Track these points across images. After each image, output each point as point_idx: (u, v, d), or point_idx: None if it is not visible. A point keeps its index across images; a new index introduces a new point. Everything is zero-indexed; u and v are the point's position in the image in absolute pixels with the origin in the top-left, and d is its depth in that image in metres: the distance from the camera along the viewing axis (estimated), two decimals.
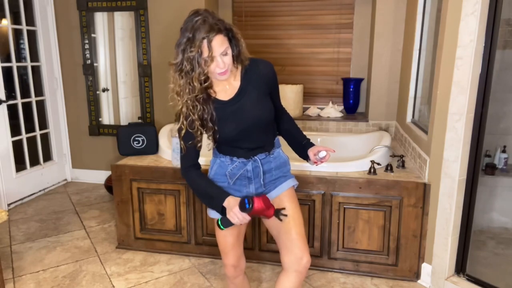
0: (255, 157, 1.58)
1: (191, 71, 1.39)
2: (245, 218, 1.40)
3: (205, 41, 1.34)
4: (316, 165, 1.63)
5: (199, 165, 1.57)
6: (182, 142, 1.52)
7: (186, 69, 1.39)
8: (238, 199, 1.44)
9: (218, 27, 1.37)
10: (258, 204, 1.38)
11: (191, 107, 1.45)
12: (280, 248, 1.58)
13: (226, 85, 1.52)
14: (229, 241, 1.65)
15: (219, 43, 1.37)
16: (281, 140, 1.72)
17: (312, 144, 1.67)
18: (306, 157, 1.66)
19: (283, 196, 1.60)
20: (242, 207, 1.39)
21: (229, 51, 1.41)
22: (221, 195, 1.48)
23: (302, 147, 1.68)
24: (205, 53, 1.36)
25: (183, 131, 1.50)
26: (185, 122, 1.48)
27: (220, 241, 1.67)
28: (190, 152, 1.52)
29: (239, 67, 1.53)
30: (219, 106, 1.51)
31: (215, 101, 1.51)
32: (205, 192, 1.53)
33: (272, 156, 1.62)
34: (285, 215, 1.51)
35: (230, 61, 1.42)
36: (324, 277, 2.42)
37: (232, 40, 1.43)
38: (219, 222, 1.47)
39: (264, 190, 1.62)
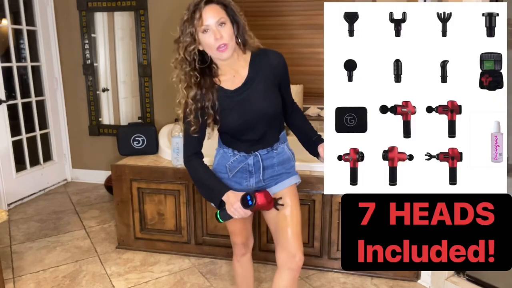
0: (256, 152, 1.55)
1: (184, 43, 1.39)
2: (246, 213, 1.41)
3: (198, 10, 1.34)
4: None
5: (201, 154, 1.56)
6: (183, 125, 1.51)
7: (182, 41, 1.39)
8: (239, 194, 1.42)
9: None
10: (260, 199, 1.39)
11: (184, 88, 1.44)
12: (276, 245, 1.60)
13: (233, 73, 1.49)
14: (237, 225, 1.67)
15: (213, 11, 1.36)
16: (291, 136, 1.70)
17: (322, 141, 1.57)
18: (316, 154, 1.60)
19: (284, 192, 1.58)
20: (245, 204, 1.38)
21: (228, 23, 1.39)
22: (221, 189, 1.47)
23: (312, 143, 1.60)
24: (197, 21, 1.35)
25: (183, 114, 1.49)
26: (183, 103, 1.47)
27: (229, 226, 1.69)
28: (192, 139, 1.51)
29: (248, 54, 1.49)
30: (224, 95, 1.47)
31: (220, 90, 1.48)
32: (205, 182, 1.52)
33: (275, 151, 1.58)
34: (282, 205, 1.50)
35: (229, 35, 1.39)
36: (324, 277, 2.41)
37: (230, 14, 1.41)
38: (218, 215, 1.48)
39: (264, 185, 1.60)
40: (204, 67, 1.46)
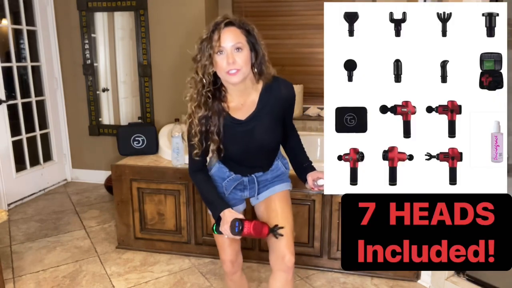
0: (252, 175, 1.60)
1: (203, 65, 1.36)
2: (234, 236, 1.44)
3: (217, 30, 1.32)
4: (313, 190, 1.58)
5: (206, 169, 1.60)
6: (189, 148, 1.52)
7: (200, 62, 1.37)
8: (234, 215, 1.45)
9: (236, 21, 1.34)
10: (247, 230, 1.41)
11: (194, 107, 1.42)
12: (268, 248, 1.62)
13: (242, 102, 1.46)
14: (226, 239, 1.66)
15: (232, 34, 1.33)
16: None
17: (313, 168, 1.60)
18: (304, 180, 1.61)
19: (275, 196, 1.61)
20: (232, 228, 1.42)
21: (245, 50, 1.35)
22: (220, 205, 1.50)
23: (302, 169, 1.62)
24: (215, 42, 1.32)
25: (187, 133, 1.49)
26: (188, 123, 1.47)
27: (218, 238, 1.69)
28: (196, 159, 1.53)
29: (260, 83, 1.46)
30: (230, 124, 1.46)
31: (227, 117, 1.46)
32: (207, 196, 1.56)
33: (270, 170, 1.63)
34: (281, 235, 1.49)
35: (244, 61, 1.35)
36: (324, 277, 2.42)
37: (250, 41, 1.37)
38: (214, 228, 1.54)
39: (257, 198, 1.64)
40: (214, 89, 1.43)
